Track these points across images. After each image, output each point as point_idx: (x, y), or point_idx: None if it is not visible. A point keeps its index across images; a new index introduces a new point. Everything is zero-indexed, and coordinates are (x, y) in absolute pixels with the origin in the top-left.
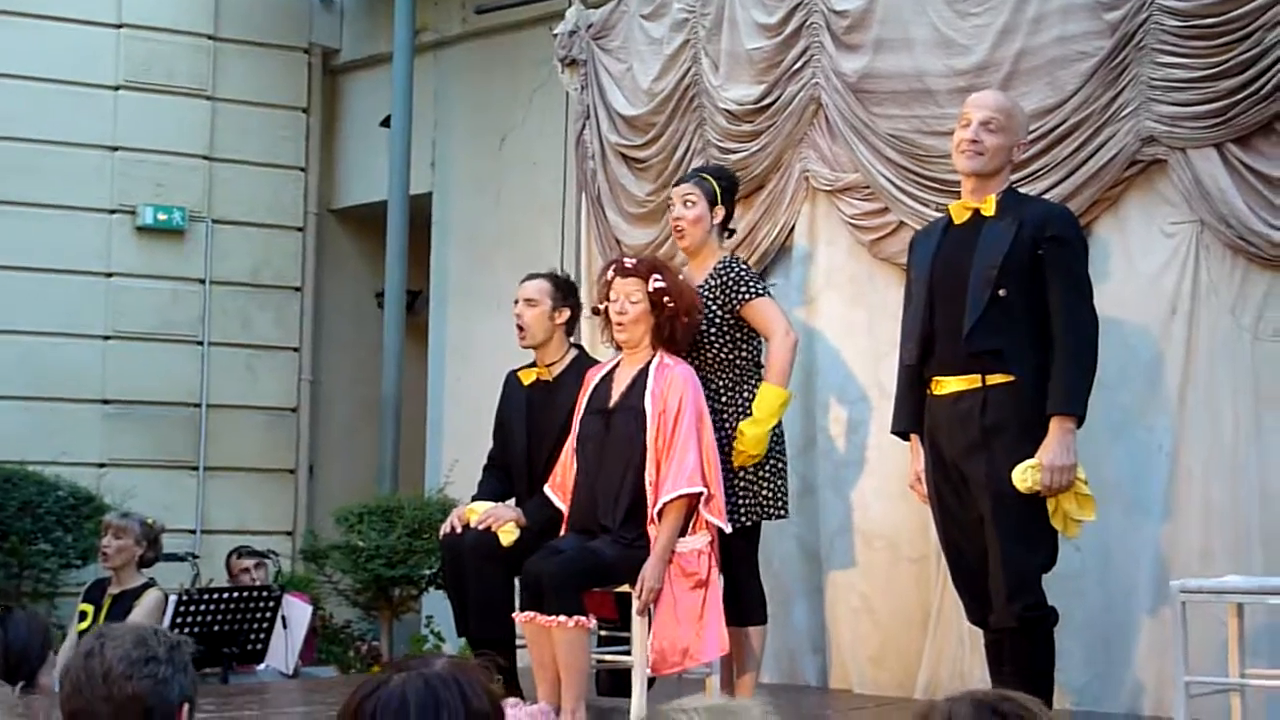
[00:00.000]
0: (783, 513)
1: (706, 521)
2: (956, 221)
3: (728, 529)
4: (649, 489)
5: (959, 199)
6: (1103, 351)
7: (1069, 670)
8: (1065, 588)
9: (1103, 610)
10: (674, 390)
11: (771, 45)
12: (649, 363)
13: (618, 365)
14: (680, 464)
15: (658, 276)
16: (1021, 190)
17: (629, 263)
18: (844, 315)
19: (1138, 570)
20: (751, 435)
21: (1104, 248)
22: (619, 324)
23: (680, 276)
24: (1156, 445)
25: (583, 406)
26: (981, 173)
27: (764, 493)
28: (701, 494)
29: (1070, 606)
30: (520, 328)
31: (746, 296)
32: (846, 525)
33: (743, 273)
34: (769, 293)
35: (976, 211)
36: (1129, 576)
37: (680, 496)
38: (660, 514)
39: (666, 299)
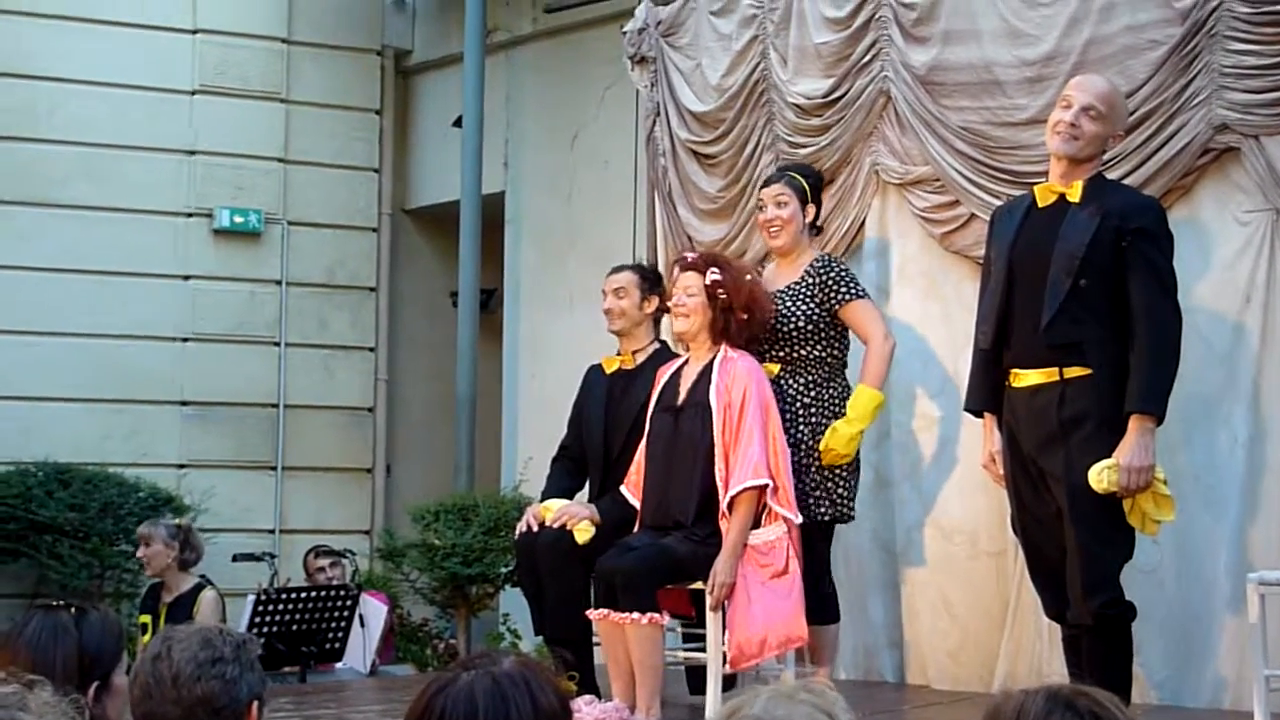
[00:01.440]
0: (851, 512)
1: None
2: (1040, 204)
3: (797, 519)
4: (719, 484)
5: (1028, 191)
6: None
7: (1149, 664)
8: (1144, 581)
9: (1182, 604)
10: (738, 383)
11: (840, 39)
12: (713, 358)
13: (686, 363)
14: (745, 457)
15: (715, 270)
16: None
17: (690, 257)
18: (919, 309)
19: (1216, 563)
20: (844, 434)
21: (1177, 237)
22: (675, 316)
23: (749, 276)
24: (1233, 437)
25: (653, 404)
26: (1075, 158)
27: (839, 490)
28: (767, 486)
29: (1149, 600)
30: (608, 311)
31: (846, 297)
32: (924, 519)
33: (843, 273)
34: (868, 295)
35: (1062, 196)
36: (1208, 570)
37: (746, 489)
38: (730, 508)
39: (720, 291)
